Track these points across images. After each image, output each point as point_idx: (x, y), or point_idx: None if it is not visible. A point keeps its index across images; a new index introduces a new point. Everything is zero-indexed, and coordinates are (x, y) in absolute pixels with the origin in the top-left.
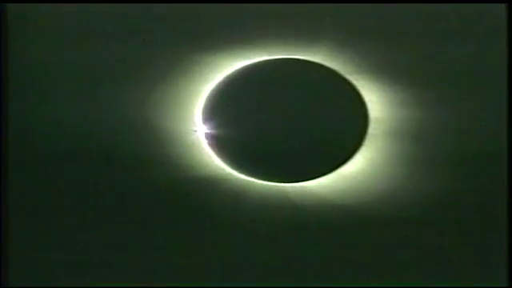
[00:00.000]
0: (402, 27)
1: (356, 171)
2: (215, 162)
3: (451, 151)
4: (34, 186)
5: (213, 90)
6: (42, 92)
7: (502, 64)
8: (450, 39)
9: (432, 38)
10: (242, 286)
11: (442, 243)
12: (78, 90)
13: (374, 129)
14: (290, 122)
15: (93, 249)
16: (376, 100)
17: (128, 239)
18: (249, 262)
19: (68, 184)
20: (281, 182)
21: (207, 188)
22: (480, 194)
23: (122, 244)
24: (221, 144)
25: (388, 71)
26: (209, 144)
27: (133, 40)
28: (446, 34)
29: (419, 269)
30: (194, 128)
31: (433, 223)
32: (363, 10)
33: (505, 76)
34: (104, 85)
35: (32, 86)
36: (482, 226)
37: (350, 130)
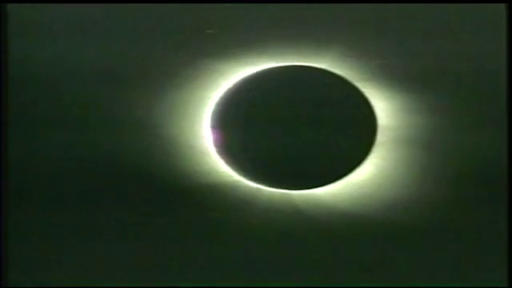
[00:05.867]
0: (410, 33)
1: (364, 179)
2: (223, 169)
3: (460, 158)
4: (35, 188)
5: (221, 97)
6: (43, 94)
7: (501, 64)
8: (450, 40)
9: (438, 43)
10: None
11: (447, 247)
12: (82, 94)
13: (382, 136)
14: (298, 129)
15: (95, 251)
16: (384, 107)
17: (134, 245)
18: (256, 269)
19: (72, 189)
20: (288, 189)
21: (215, 195)
22: (487, 200)
23: (127, 250)
24: (229, 151)
25: (397, 78)
26: (217, 151)
27: (138, 44)
28: (447, 36)
29: (420, 269)
30: None
31: (440, 230)
32: (371, 16)
33: (505, 76)
34: (109, 91)
35: (33, 87)
36: (483, 227)
37: (358, 137)
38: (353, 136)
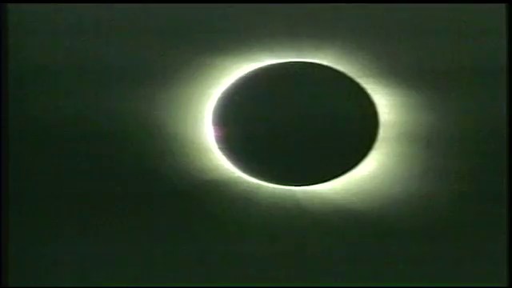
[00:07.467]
0: (411, 29)
1: (366, 175)
2: (225, 165)
3: (462, 154)
4: (36, 186)
5: (223, 93)
6: (44, 94)
7: (502, 64)
8: (451, 40)
9: (441, 40)
10: None
11: (448, 244)
12: (84, 92)
13: (384, 132)
14: (300, 125)
15: (95, 250)
16: (386, 103)
17: (136, 242)
18: (259, 266)
19: (73, 186)
20: (291, 185)
21: (217, 191)
22: (488, 197)
23: (129, 247)
24: (230, 147)
25: (398, 74)
26: (218, 147)
27: (140, 41)
28: (448, 35)
29: (421, 267)
30: None
31: (442, 226)
32: (373, 12)
33: (505, 76)
34: (111, 88)
35: (33, 87)
36: (484, 225)
37: (360, 133)
38: (354, 132)
